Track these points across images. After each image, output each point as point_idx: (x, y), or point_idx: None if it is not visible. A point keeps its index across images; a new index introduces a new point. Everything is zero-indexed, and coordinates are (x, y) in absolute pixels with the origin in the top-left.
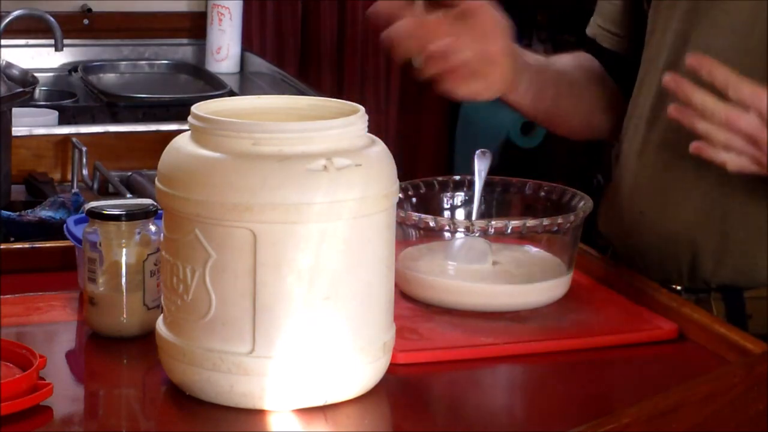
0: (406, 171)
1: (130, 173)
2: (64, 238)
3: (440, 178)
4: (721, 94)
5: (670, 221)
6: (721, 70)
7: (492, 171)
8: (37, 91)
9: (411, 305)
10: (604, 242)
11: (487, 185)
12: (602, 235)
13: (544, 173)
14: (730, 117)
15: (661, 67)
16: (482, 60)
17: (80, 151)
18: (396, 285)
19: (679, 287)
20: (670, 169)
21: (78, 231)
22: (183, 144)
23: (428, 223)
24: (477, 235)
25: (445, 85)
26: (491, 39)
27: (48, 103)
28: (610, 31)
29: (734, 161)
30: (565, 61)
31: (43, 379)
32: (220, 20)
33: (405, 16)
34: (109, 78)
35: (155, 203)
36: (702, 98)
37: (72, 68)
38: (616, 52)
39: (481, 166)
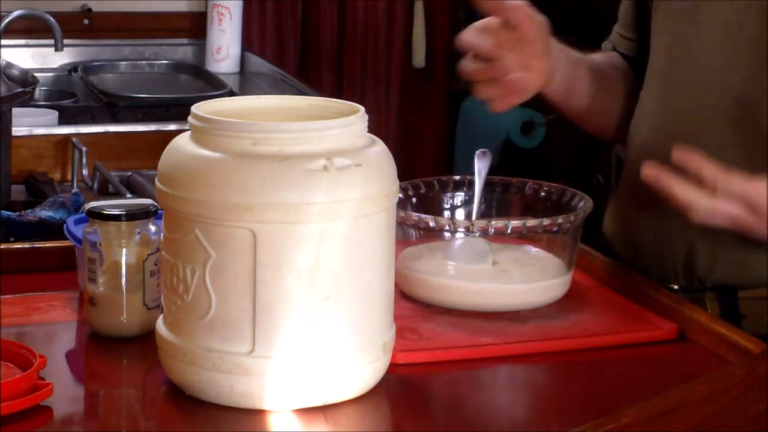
0: (406, 171)
1: (130, 173)
2: (64, 238)
3: (440, 178)
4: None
5: (666, 219)
6: (708, 166)
7: (492, 171)
8: (37, 91)
9: (411, 305)
10: (604, 242)
11: (487, 185)
12: (603, 235)
13: (544, 173)
14: (717, 208)
15: (661, 67)
16: (519, 68)
17: (80, 151)
18: (396, 285)
19: (676, 287)
20: (668, 169)
21: (78, 231)
22: (183, 144)
23: (428, 223)
24: (477, 235)
25: (491, 99)
26: (529, 45)
27: (48, 103)
28: (624, 36)
29: (702, 213)
30: (600, 58)
31: (43, 379)
32: (220, 20)
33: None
34: (109, 78)
35: (155, 203)
36: (685, 193)
37: (72, 68)
38: (631, 57)
39: (481, 166)
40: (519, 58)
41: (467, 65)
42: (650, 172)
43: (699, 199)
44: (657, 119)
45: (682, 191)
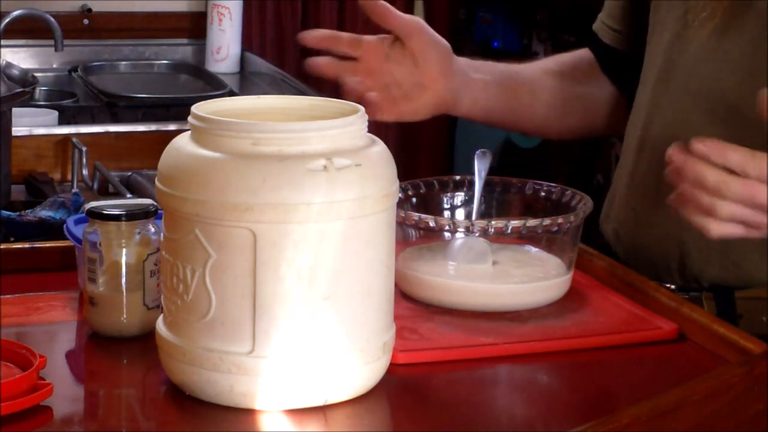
0: (406, 171)
1: (130, 173)
2: (64, 238)
3: (440, 178)
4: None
5: (660, 219)
6: (734, 151)
7: (492, 171)
8: (37, 91)
9: (411, 305)
10: (604, 242)
11: (487, 185)
12: (602, 235)
13: (544, 173)
14: (754, 193)
15: (657, 67)
16: (411, 85)
17: (80, 151)
18: (396, 285)
19: (673, 286)
20: (663, 168)
21: (78, 231)
22: (183, 144)
23: (428, 223)
24: (477, 235)
25: (368, 108)
26: (422, 63)
27: (48, 103)
28: (611, 26)
29: (719, 229)
30: (541, 65)
31: (43, 379)
32: (220, 20)
33: (341, 42)
34: (109, 78)
35: (155, 203)
36: (716, 178)
37: (72, 68)
38: (615, 48)
39: (481, 166)
40: (412, 75)
41: (326, 61)
42: (677, 153)
43: (731, 182)
44: (652, 119)
45: (713, 175)
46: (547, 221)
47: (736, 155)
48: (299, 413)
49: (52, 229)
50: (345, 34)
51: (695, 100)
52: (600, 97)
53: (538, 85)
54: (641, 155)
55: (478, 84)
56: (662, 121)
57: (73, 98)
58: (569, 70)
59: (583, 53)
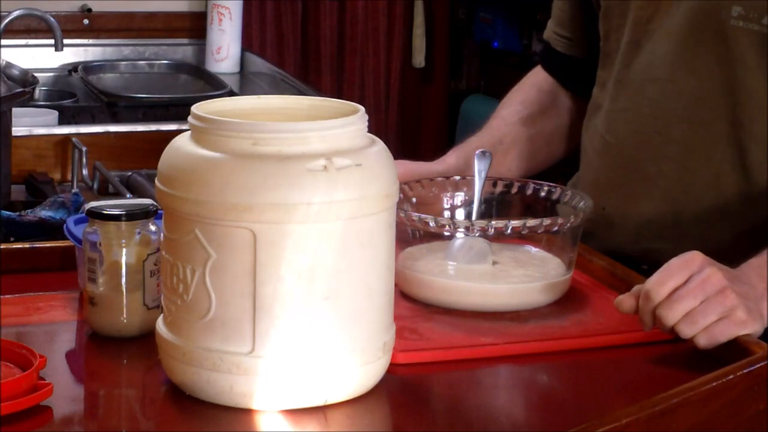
0: None
1: (130, 173)
2: (64, 238)
3: (440, 178)
4: None
5: (630, 217)
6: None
7: (492, 171)
8: (37, 91)
9: (411, 305)
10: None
11: (487, 185)
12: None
13: (544, 173)
14: (671, 299)
15: (615, 70)
16: None
17: (80, 151)
18: (396, 285)
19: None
20: (630, 167)
21: (78, 231)
22: (183, 144)
23: (428, 223)
24: (477, 235)
25: None
26: None
27: (48, 103)
28: (561, 34)
29: (705, 337)
30: (512, 116)
31: (43, 379)
32: (220, 20)
33: None
34: (109, 78)
35: (155, 203)
36: (648, 318)
37: (72, 68)
38: (568, 56)
39: (481, 166)
40: None
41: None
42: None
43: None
44: (616, 121)
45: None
46: (547, 221)
47: (640, 301)
48: (299, 413)
49: (52, 229)
50: None
51: (653, 101)
52: (561, 123)
53: (509, 142)
54: (605, 155)
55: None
56: (627, 123)
57: (73, 98)
58: (537, 109)
59: (541, 82)
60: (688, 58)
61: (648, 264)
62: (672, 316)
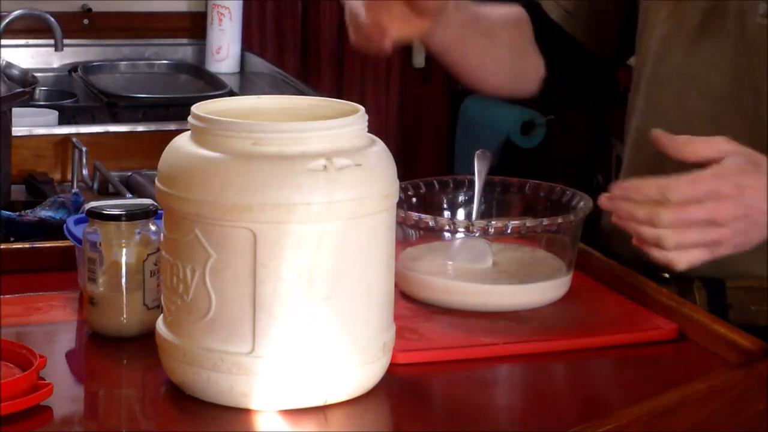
0: (406, 171)
1: (130, 173)
2: (64, 238)
3: (440, 178)
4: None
5: None
6: (649, 185)
7: (492, 171)
8: (37, 91)
9: (411, 305)
10: (605, 242)
11: (487, 185)
12: (603, 234)
13: (544, 173)
14: (685, 215)
15: (648, 69)
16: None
17: (80, 151)
18: (396, 285)
19: (667, 275)
20: (655, 167)
21: (78, 231)
22: (183, 144)
23: (428, 223)
24: (477, 235)
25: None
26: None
27: (48, 103)
28: (566, 8)
29: (682, 259)
30: (499, 13)
31: (43, 379)
32: (220, 20)
33: None
34: (109, 78)
35: (155, 203)
36: (644, 212)
37: (72, 68)
38: (559, 26)
39: (481, 166)
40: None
41: None
42: (603, 200)
43: (659, 212)
44: (644, 118)
45: (641, 210)
46: (546, 221)
47: (651, 188)
48: (299, 413)
49: (52, 229)
50: None
51: (684, 100)
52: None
53: (497, 38)
54: (636, 155)
55: (463, 22)
56: (653, 120)
57: (73, 98)
58: (524, 26)
59: (521, 15)
60: (711, 55)
61: (668, 272)
62: (671, 243)
